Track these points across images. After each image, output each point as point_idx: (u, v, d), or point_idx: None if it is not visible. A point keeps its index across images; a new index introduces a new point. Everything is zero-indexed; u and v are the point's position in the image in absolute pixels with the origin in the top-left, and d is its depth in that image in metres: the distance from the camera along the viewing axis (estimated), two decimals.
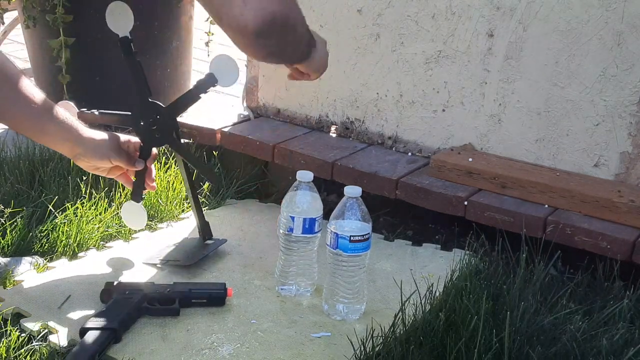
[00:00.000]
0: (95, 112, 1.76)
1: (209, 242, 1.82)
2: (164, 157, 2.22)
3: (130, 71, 1.71)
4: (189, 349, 1.43)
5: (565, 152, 1.93)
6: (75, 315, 1.52)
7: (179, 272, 1.72)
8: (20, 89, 1.47)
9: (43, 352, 1.38)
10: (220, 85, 1.71)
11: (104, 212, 1.91)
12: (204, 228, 1.83)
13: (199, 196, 1.90)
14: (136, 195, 1.75)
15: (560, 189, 1.82)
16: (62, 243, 1.78)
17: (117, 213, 1.89)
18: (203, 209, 1.86)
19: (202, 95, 1.73)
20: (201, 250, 1.79)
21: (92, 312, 1.50)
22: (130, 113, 1.74)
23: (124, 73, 2.50)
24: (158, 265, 1.74)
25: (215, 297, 1.59)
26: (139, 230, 1.92)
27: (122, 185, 2.02)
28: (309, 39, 1.52)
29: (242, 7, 1.25)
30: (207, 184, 2.13)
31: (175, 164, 2.13)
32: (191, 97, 1.75)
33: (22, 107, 1.48)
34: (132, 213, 1.78)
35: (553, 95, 1.91)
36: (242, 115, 2.38)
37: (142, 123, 1.71)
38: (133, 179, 1.73)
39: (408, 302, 1.49)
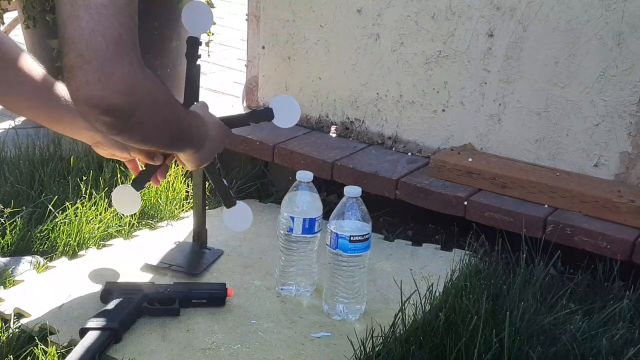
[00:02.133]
0: None
1: (205, 250, 1.81)
2: None
3: (187, 72, 1.69)
4: (189, 349, 1.43)
5: (565, 152, 1.93)
6: (75, 315, 1.51)
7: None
8: (33, 78, 1.46)
9: (43, 352, 1.38)
10: (275, 122, 1.69)
11: (104, 212, 1.91)
12: (202, 235, 1.83)
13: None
14: (138, 184, 1.71)
15: (560, 189, 1.82)
16: (62, 242, 1.78)
17: (117, 213, 1.89)
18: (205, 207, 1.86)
19: (251, 123, 1.73)
20: (204, 260, 1.78)
21: (92, 312, 1.50)
22: None
23: None
24: (162, 268, 1.73)
25: (216, 297, 1.59)
26: (139, 229, 1.92)
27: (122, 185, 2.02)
28: (189, 137, 1.39)
29: (85, 82, 1.09)
30: (207, 184, 2.13)
31: (175, 165, 2.13)
32: (239, 120, 1.74)
33: (36, 98, 1.46)
34: (126, 198, 1.72)
35: (553, 95, 1.92)
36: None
37: None
38: (142, 167, 1.70)
39: (408, 302, 1.49)
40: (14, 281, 1.63)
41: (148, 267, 1.74)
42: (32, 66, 1.46)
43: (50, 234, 1.80)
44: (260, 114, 1.71)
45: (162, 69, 2.57)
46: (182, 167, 2.08)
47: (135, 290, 1.56)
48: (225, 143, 1.60)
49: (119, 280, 1.61)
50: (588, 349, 1.41)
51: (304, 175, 1.61)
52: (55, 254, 1.76)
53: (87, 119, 1.14)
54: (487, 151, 2.04)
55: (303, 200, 1.61)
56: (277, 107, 1.68)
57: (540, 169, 1.94)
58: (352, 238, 1.52)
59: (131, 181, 1.73)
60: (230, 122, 1.83)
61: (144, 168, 1.72)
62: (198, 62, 1.69)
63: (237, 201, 1.72)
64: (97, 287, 1.60)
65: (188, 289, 1.59)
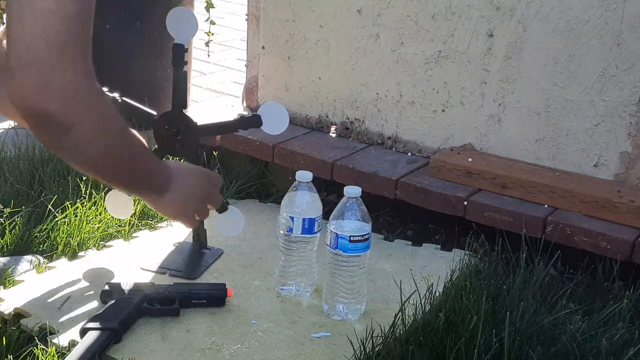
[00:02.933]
0: (117, 96, 1.70)
1: (205, 250, 1.82)
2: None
3: (174, 79, 1.70)
4: (189, 349, 1.43)
5: (565, 152, 1.93)
6: (75, 315, 1.51)
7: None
8: None
9: (43, 352, 1.38)
10: (264, 129, 1.70)
11: (104, 212, 1.91)
12: (201, 235, 1.83)
13: None
14: None
15: (560, 189, 1.82)
16: (62, 242, 1.78)
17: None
18: None
19: (240, 130, 1.74)
20: (202, 262, 1.78)
21: (92, 312, 1.50)
22: (155, 113, 1.72)
23: (123, 74, 2.50)
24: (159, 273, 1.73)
25: (215, 298, 1.59)
26: (139, 230, 1.92)
27: None
28: (144, 176, 1.33)
29: (21, 84, 1.05)
30: None
31: None
32: (227, 127, 1.75)
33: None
34: (119, 202, 1.77)
35: (553, 95, 1.92)
36: (242, 116, 2.38)
37: (166, 127, 1.70)
38: None
39: (408, 302, 1.49)
40: (14, 281, 1.63)
41: (147, 270, 1.74)
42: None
43: (50, 234, 1.80)
44: (248, 121, 1.72)
45: (162, 69, 2.57)
46: None
47: (135, 290, 1.56)
48: (215, 191, 1.53)
49: (119, 281, 1.61)
50: (588, 349, 1.41)
51: (304, 175, 1.61)
52: (56, 254, 1.76)
53: (28, 125, 1.09)
54: (487, 151, 2.04)
55: (303, 201, 1.61)
56: (266, 113, 1.69)
57: (540, 169, 1.94)
58: (352, 238, 1.52)
59: None
60: (219, 129, 1.83)
61: None
62: (184, 68, 1.70)
63: (229, 206, 1.73)
64: (97, 287, 1.59)
65: (188, 290, 1.59)
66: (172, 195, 1.39)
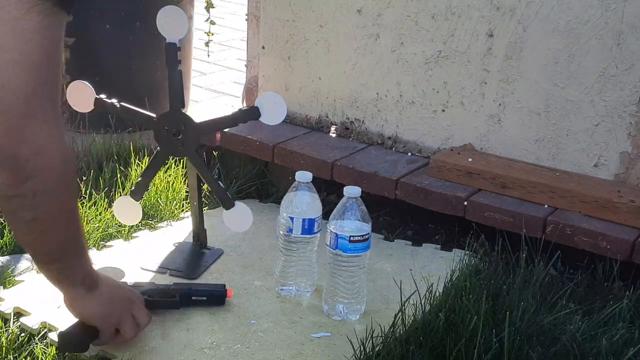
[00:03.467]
0: (116, 102, 1.70)
1: (205, 250, 1.82)
2: None
3: (169, 79, 1.70)
4: (189, 348, 1.44)
5: (565, 152, 1.93)
6: None
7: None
8: None
9: (43, 352, 1.38)
10: (263, 120, 1.68)
11: (104, 212, 1.91)
12: (201, 235, 1.83)
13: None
14: (137, 194, 1.75)
15: (560, 189, 1.82)
16: None
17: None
18: (203, 208, 1.86)
19: (239, 123, 1.73)
20: (202, 262, 1.78)
21: None
22: (154, 115, 1.72)
23: (123, 74, 2.50)
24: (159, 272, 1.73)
25: (216, 298, 1.59)
26: (139, 230, 1.92)
27: (121, 185, 2.02)
28: (84, 266, 1.30)
29: None
30: (204, 186, 2.13)
31: (175, 165, 2.14)
32: (227, 121, 1.75)
33: None
34: (127, 208, 1.77)
35: (553, 95, 1.92)
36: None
37: (166, 128, 1.70)
38: (134, 181, 1.73)
39: (408, 302, 1.49)
40: (14, 281, 1.63)
41: (147, 270, 1.74)
42: None
43: None
44: (247, 114, 1.71)
45: (162, 69, 2.56)
46: (182, 168, 2.09)
47: (135, 287, 1.55)
48: (140, 304, 1.44)
49: (124, 281, 1.61)
50: (588, 349, 1.41)
51: (303, 176, 1.61)
52: None
53: None
54: (487, 151, 2.04)
55: (302, 201, 1.61)
56: (263, 105, 1.68)
57: (540, 169, 1.94)
58: (351, 238, 1.52)
59: (129, 192, 1.76)
60: (218, 125, 1.83)
61: (141, 177, 1.75)
62: (179, 67, 1.69)
63: (236, 202, 1.73)
64: None
65: (188, 288, 1.58)
66: (100, 294, 1.34)
